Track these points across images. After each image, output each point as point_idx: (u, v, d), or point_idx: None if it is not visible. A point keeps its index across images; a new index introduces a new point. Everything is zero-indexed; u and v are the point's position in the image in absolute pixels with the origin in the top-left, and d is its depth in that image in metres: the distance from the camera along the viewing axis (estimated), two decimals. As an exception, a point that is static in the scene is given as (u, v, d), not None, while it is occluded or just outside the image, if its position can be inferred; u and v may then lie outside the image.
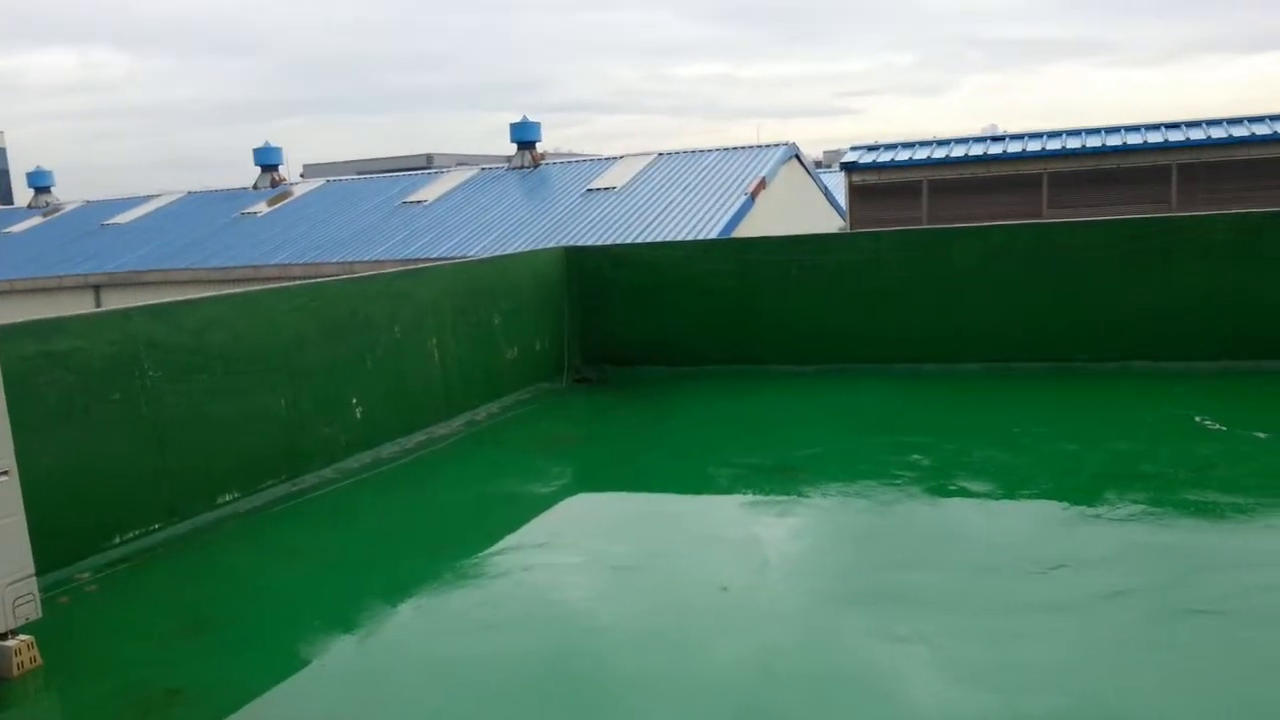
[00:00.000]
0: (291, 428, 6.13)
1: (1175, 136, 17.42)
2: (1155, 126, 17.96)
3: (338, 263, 19.15)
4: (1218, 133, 17.35)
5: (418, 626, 4.26)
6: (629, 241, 17.50)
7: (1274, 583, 4.07)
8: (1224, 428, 6.13)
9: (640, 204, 19.81)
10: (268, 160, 27.28)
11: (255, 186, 26.97)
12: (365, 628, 4.19)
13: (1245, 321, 7.47)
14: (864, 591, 4.31)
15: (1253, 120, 17.59)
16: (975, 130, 26.16)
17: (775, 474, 6.01)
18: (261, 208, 24.96)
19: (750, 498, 5.70)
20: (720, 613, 4.18)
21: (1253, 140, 17.03)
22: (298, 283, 6.60)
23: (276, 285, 6.60)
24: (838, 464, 6.21)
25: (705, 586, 4.42)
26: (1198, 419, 6.33)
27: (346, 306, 6.68)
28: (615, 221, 19.01)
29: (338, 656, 3.98)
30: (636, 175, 21.57)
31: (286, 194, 25.86)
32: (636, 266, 9.18)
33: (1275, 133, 17.00)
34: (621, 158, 23.41)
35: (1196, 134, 17.39)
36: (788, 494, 5.64)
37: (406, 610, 4.38)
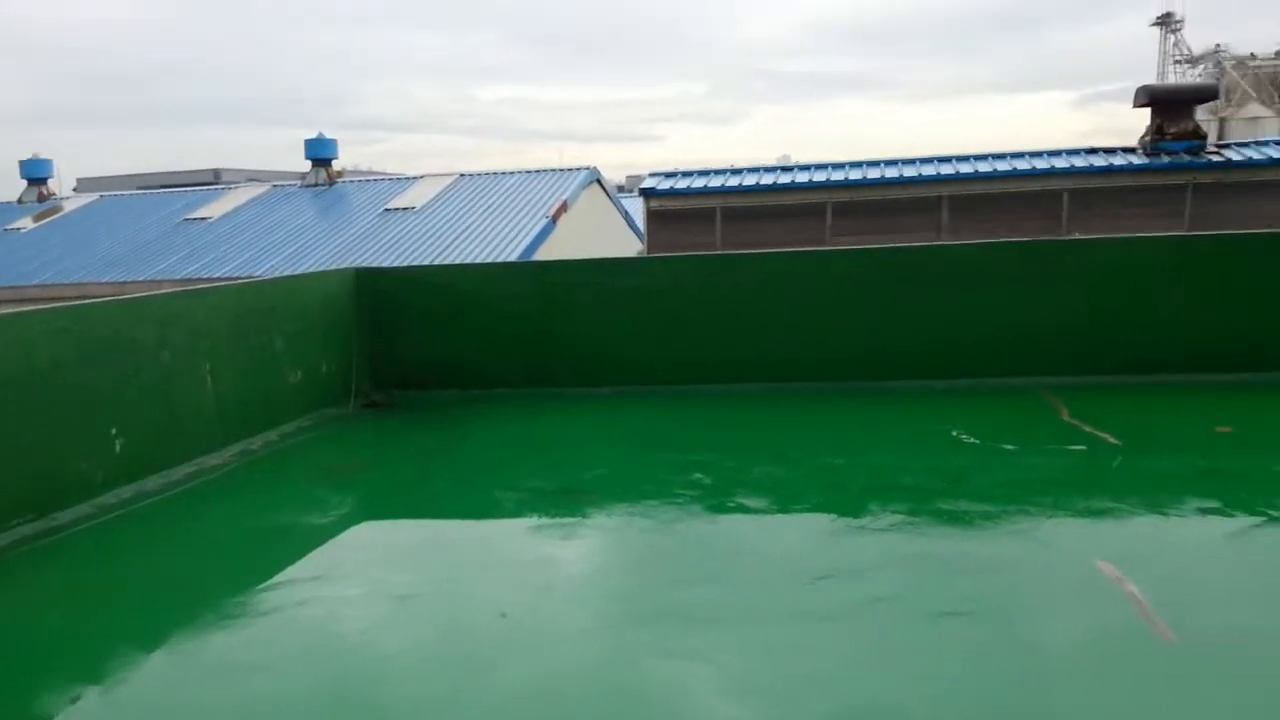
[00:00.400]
0: (42, 461, 5.66)
1: (945, 170, 18.76)
2: (928, 160, 19.28)
3: (109, 283, 18.00)
4: (983, 167, 18.80)
5: (172, 674, 3.99)
6: (427, 263, 17.23)
7: (1016, 584, 4.41)
8: (977, 441, 6.60)
9: (440, 225, 19.54)
10: (36, 173, 25.34)
11: (20, 201, 24.94)
12: (113, 677, 3.89)
13: (996, 341, 8.09)
14: (646, 610, 4.36)
15: (1014, 156, 19.17)
16: (770, 159, 27.28)
17: (561, 496, 6.03)
18: (26, 223, 23.10)
19: (536, 521, 5.69)
20: (505, 637, 4.14)
21: (1013, 174, 18.56)
22: (56, 305, 6.12)
23: (33, 308, 6.09)
24: (623, 484, 6.29)
25: (489, 612, 4.38)
26: (954, 433, 6.79)
27: (110, 329, 6.23)
28: (413, 242, 18.67)
29: (80, 712, 3.68)
30: (437, 195, 21.28)
31: (56, 209, 24.03)
32: (432, 289, 9.01)
33: (1034, 168, 18.59)
34: (421, 177, 23.05)
35: (965, 168, 18.77)
36: (573, 515, 5.67)
37: (160, 656, 4.10)
